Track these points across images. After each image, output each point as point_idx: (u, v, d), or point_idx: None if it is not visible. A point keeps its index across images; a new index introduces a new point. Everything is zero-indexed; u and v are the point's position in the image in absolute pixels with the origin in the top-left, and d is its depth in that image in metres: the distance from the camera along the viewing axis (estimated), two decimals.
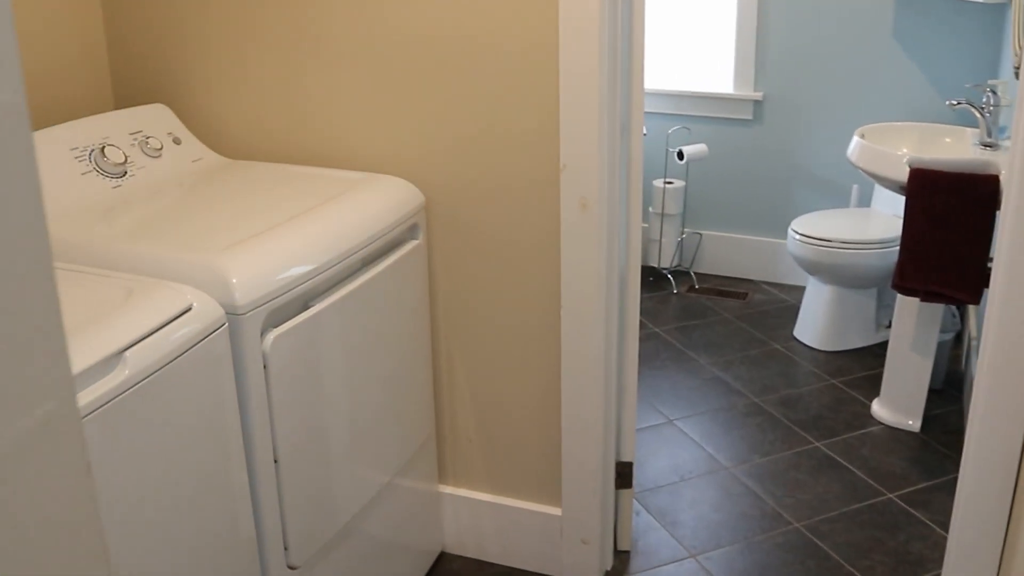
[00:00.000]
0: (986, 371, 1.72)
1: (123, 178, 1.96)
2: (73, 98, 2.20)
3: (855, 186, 3.92)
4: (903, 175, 2.77)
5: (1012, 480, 1.75)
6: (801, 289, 4.03)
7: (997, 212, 2.60)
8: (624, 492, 2.38)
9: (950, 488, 2.68)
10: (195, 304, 1.48)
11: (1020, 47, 2.76)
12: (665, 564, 2.42)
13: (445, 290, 2.21)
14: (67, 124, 1.94)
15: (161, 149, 2.08)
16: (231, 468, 1.57)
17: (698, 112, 4.17)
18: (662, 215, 4.17)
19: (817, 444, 2.94)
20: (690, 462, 2.86)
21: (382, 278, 1.93)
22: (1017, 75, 2.04)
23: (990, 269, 2.51)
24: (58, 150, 1.88)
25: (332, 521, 1.85)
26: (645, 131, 4.18)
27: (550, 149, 2.01)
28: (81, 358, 1.29)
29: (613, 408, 2.24)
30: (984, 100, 3.10)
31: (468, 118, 2.05)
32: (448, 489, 2.37)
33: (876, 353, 3.52)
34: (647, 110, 4.21)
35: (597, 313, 2.09)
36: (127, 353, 1.34)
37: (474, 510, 2.35)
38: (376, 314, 1.93)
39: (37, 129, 1.94)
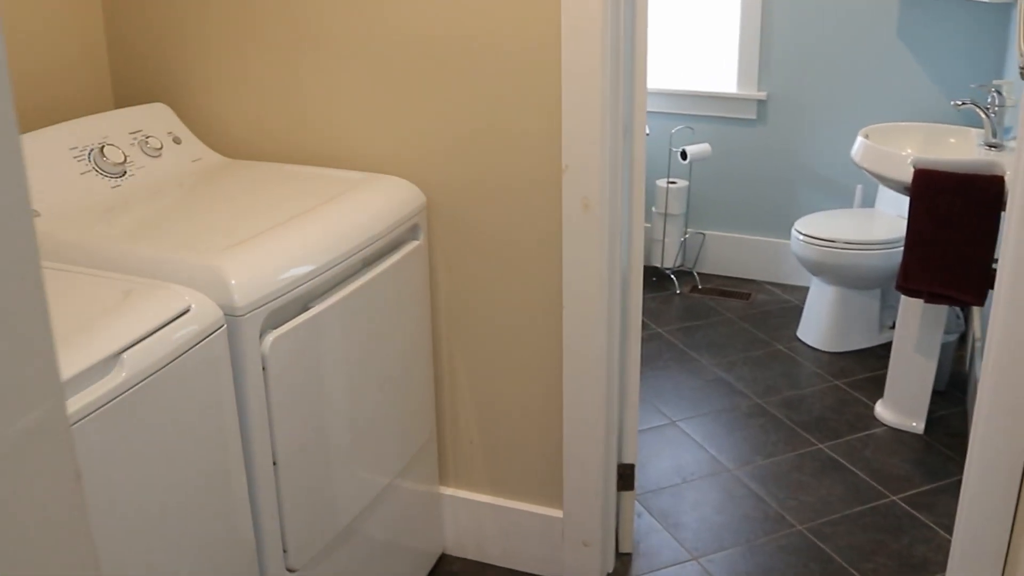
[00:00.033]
0: (990, 372, 1.71)
1: (122, 178, 1.95)
2: (73, 98, 2.19)
3: (859, 186, 3.91)
4: (907, 176, 2.76)
5: (1016, 482, 1.74)
6: (804, 289, 4.02)
7: (1002, 213, 2.59)
8: (626, 494, 2.37)
9: (954, 490, 2.66)
10: (193, 305, 1.47)
11: None
12: (667, 566, 2.40)
13: (446, 291, 2.20)
14: (66, 123, 1.93)
15: (161, 149, 2.07)
16: (229, 471, 1.56)
17: (702, 112, 4.16)
18: (665, 215, 4.16)
19: (820, 446, 2.93)
20: (692, 464, 2.85)
21: (383, 279, 1.92)
22: (1022, 75, 2.03)
23: (995, 270, 2.49)
24: (57, 150, 1.87)
25: (332, 523, 1.84)
26: (648, 131, 4.16)
27: (552, 149, 2.00)
28: (78, 360, 1.28)
29: (615, 409, 2.23)
30: (989, 100, 3.08)
31: (469, 118, 2.04)
32: (449, 491, 2.36)
33: (879, 354, 3.50)
34: (650, 109, 4.19)
35: (599, 314, 2.08)
36: (124, 355, 1.33)
37: (475, 512, 2.34)
38: (377, 315, 1.91)
39: (36, 129, 1.93)
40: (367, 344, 1.89)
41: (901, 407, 3.03)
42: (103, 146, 1.95)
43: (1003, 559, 1.82)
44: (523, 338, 2.17)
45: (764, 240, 4.22)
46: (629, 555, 2.44)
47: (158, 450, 1.40)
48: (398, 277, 1.99)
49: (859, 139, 3.23)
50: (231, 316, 1.53)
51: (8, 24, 2.03)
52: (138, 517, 1.37)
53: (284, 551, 1.71)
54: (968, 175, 2.60)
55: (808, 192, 4.08)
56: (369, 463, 1.95)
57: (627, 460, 2.34)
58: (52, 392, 0.64)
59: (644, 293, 4.01)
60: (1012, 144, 3.05)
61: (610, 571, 2.37)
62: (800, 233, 3.48)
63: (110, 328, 1.36)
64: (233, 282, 1.54)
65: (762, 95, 4.02)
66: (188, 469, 1.46)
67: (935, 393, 3.05)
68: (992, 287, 2.52)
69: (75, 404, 1.25)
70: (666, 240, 4.19)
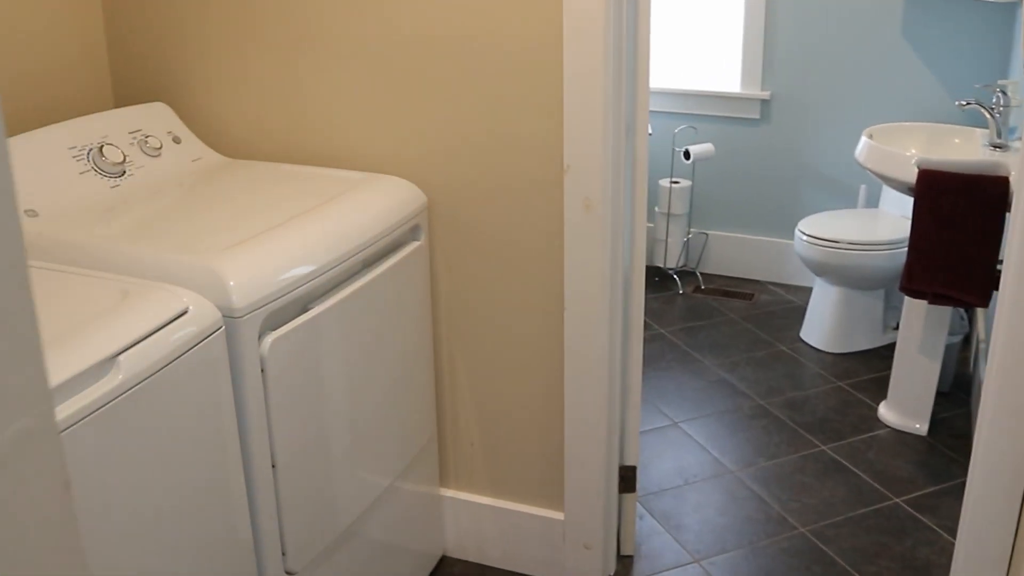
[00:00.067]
0: (995, 374, 1.70)
1: (122, 178, 1.94)
2: (73, 98, 2.18)
3: (863, 186, 3.89)
4: (911, 176, 2.74)
5: (1021, 485, 1.73)
6: (808, 290, 4.00)
7: (1007, 214, 2.58)
8: (627, 496, 2.35)
9: (957, 493, 2.65)
10: (191, 307, 1.46)
11: None
12: (669, 569, 2.39)
13: (447, 292, 2.18)
14: (65, 123, 1.92)
15: (160, 148, 2.06)
16: (228, 473, 1.55)
17: (705, 111, 4.14)
18: (668, 215, 4.14)
19: (823, 447, 2.91)
20: (695, 465, 2.83)
21: (383, 280, 1.91)
22: None
23: (999, 271, 2.48)
24: (56, 149, 1.86)
25: (331, 526, 1.83)
26: (651, 130, 4.15)
27: (554, 149, 1.99)
28: (74, 363, 1.27)
29: (617, 411, 2.22)
30: (994, 100, 3.06)
31: (470, 118, 2.03)
32: (449, 492, 2.35)
33: (883, 355, 3.49)
34: (653, 109, 4.18)
35: (601, 315, 2.06)
36: (121, 357, 1.32)
37: (476, 514, 2.33)
38: (377, 316, 1.90)
39: (36, 128, 1.92)
40: (367, 345, 1.87)
41: (905, 409, 3.01)
42: (102, 146, 1.94)
43: (1007, 562, 1.81)
44: (524, 339, 2.16)
45: (767, 240, 4.20)
46: (630, 557, 2.43)
47: (155, 453, 1.39)
48: (398, 278, 1.97)
49: (863, 139, 3.21)
50: (229, 317, 1.52)
51: (8, 24, 2.02)
52: (135, 521, 1.36)
53: (283, 554, 1.70)
54: (972, 176, 2.58)
55: (812, 192, 4.06)
56: (369, 465, 1.94)
57: (629, 462, 2.33)
58: (40, 400, 0.62)
59: (646, 293, 4.01)
60: (1017, 144, 3.04)
61: (611, 574, 2.36)
62: (803, 233, 3.47)
63: (107, 330, 1.35)
64: (231, 283, 1.53)
65: (766, 95, 4.00)
66: (186, 472, 1.45)
67: (939, 395, 3.03)
68: (996, 288, 2.51)
69: (72, 407, 1.24)
70: (669, 240, 4.18)
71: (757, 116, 4.06)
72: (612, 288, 2.08)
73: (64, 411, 1.23)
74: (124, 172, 1.95)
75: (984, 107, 3.05)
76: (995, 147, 3.06)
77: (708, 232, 4.29)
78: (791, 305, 3.98)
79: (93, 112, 2.17)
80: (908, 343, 2.95)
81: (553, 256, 2.07)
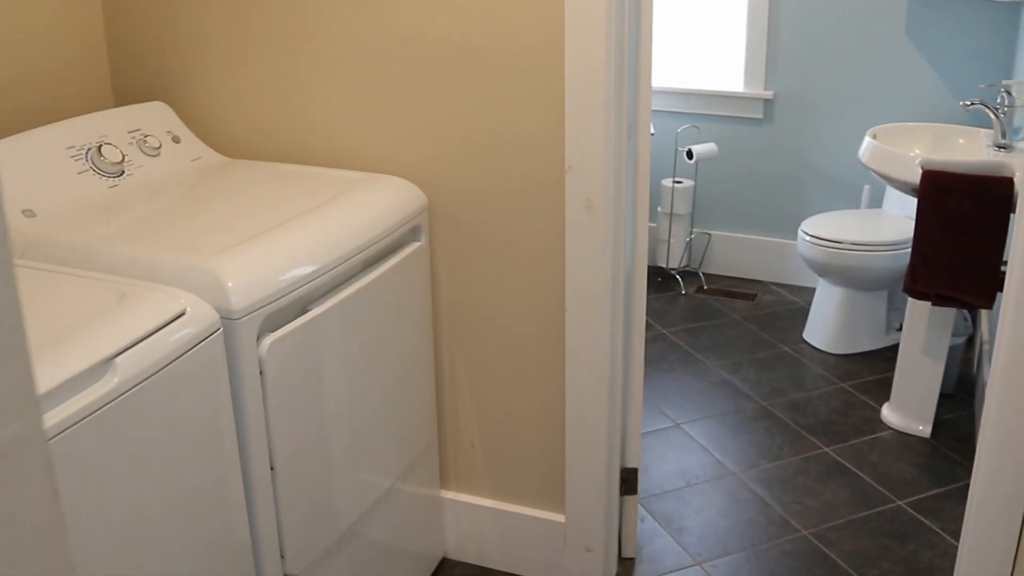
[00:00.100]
0: (999, 376, 1.69)
1: (120, 177, 1.93)
2: (73, 97, 2.17)
3: (866, 187, 3.88)
4: (915, 177, 2.73)
5: None
6: (811, 291, 3.99)
7: (1011, 215, 2.56)
8: (629, 498, 2.34)
9: (961, 495, 2.64)
10: (189, 308, 1.45)
11: None
12: (670, 572, 2.38)
13: (448, 293, 2.17)
14: (63, 122, 1.91)
15: (160, 148, 2.05)
16: (226, 476, 1.54)
17: (708, 111, 4.13)
18: (671, 215, 4.13)
19: (826, 449, 2.90)
20: (697, 467, 2.82)
21: (383, 281, 1.89)
22: None
23: (1004, 273, 2.46)
24: (54, 149, 1.85)
25: (331, 528, 1.82)
26: (653, 130, 4.14)
27: (555, 149, 1.98)
28: (70, 365, 1.26)
29: (618, 413, 2.21)
30: (998, 101, 3.05)
31: (471, 117, 2.02)
32: (450, 494, 2.34)
33: (886, 356, 3.47)
34: (656, 108, 4.16)
35: (602, 316, 2.05)
36: (117, 359, 1.31)
37: (476, 516, 2.32)
38: (377, 318, 1.89)
39: (35, 128, 1.91)
40: (367, 347, 1.86)
41: (908, 410, 3.00)
42: (101, 145, 1.93)
43: (1011, 566, 1.79)
44: (525, 340, 2.15)
45: (770, 240, 4.19)
46: (632, 560, 2.42)
47: (152, 456, 1.38)
48: (399, 279, 1.96)
49: (867, 139, 3.20)
50: (227, 319, 1.51)
51: (8, 24, 2.01)
52: (132, 524, 1.35)
53: (282, 556, 1.69)
54: (977, 176, 2.57)
55: (815, 192, 4.05)
56: (369, 467, 1.93)
57: (630, 464, 2.32)
58: (28, 408, 0.61)
59: (649, 294, 4.00)
60: (1022, 145, 3.02)
61: None
62: (806, 234, 3.46)
63: (103, 332, 1.34)
64: (230, 284, 1.52)
65: (769, 94, 3.99)
66: (183, 475, 1.44)
67: (942, 396, 3.02)
68: (1001, 290, 2.50)
69: (67, 409, 1.23)
70: (671, 240, 4.16)
71: (760, 116, 4.04)
72: (614, 289, 2.07)
73: (60, 414, 1.22)
74: (123, 172, 1.94)
75: (988, 107, 3.03)
76: (999, 147, 3.04)
77: (711, 232, 4.27)
78: (794, 306, 3.97)
79: (93, 111, 2.16)
80: (911, 344, 2.94)
81: (554, 257, 2.06)
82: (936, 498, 2.66)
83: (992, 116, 3.04)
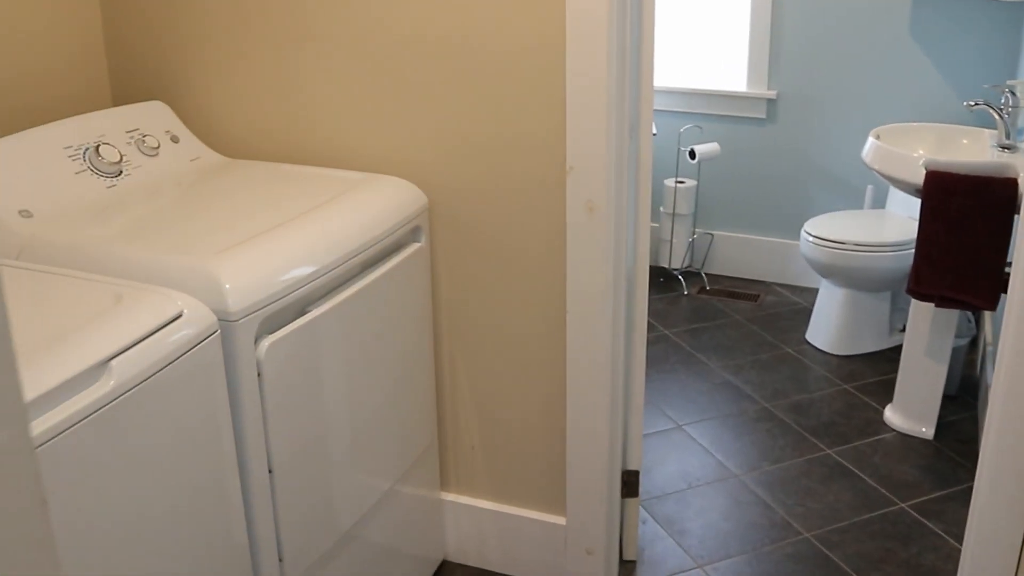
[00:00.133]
0: (1003, 378, 1.68)
1: (118, 177, 1.91)
2: (71, 97, 2.16)
3: (869, 187, 3.86)
4: (919, 178, 2.71)
5: None
6: (814, 291, 3.97)
7: (1015, 216, 2.55)
8: (630, 501, 2.33)
9: (964, 498, 2.62)
10: (186, 310, 1.43)
11: None
12: (672, 574, 2.37)
13: (448, 294, 2.16)
14: (61, 122, 1.90)
15: (158, 148, 2.03)
16: (223, 479, 1.53)
17: (710, 110, 4.12)
18: (673, 215, 4.11)
19: (828, 451, 2.89)
20: (698, 469, 2.81)
21: (383, 282, 1.88)
22: None
23: (1007, 274, 2.45)
24: (51, 149, 1.84)
25: (329, 531, 1.81)
26: (656, 130, 4.13)
27: (556, 150, 1.96)
28: (65, 367, 1.24)
29: (620, 415, 2.19)
30: (1003, 101, 3.03)
31: (472, 117, 2.00)
32: (450, 496, 2.32)
33: (889, 357, 3.45)
34: (659, 108, 4.15)
35: (603, 318, 2.04)
36: (113, 362, 1.30)
37: (476, 518, 2.31)
38: (376, 319, 1.88)
39: (33, 127, 1.90)
40: (366, 349, 1.85)
41: (911, 412, 2.98)
42: (99, 145, 1.91)
43: (1014, 569, 1.78)
44: (526, 342, 2.13)
45: (773, 241, 4.17)
46: (633, 563, 2.40)
47: (149, 459, 1.36)
48: (399, 280, 1.95)
49: (870, 140, 3.18)
50: (225, 321, 1.49)
51: (7, 23, 2.00)
52: (128, 528, 1.34)
53: (280, 560, 1.68)
54: (981, 177, 2.55)
55: (818, 192, 4.03)
56: (368, 469, 1.92)
57: (632, 466, 2.31)
58: (14, 415, 0.60)
59: (651, 294, 3.98)
60: None
61: None
62: (809, 234, 3.44)
63: (99, 334, 1.32)
64: (227, 286, 1.51)
65: (772, 94, 3.97)
66: (180, 478, 1.43)
67: (945, 398, 3.00)
68: (1005, 291, 2.48)
69: (63, 412, 1.22)
70: (674, 240, 4.15)
71: (763, 116, 4.03)
72: (615, 290, 2.06)
73: (56, 417, 1.21)
74: (121, 172, 1.93)
75: (993, 108, 3.01)
76: (1004, 148, 3.03)
77: (713, 232, 4.26)
78: (797, 307, 3.95)
79: (91, 111, 2.15)
80: (915, 346, 2.92)
81: (555, 258, 2.05)
82: (939, 500, 2.64)
83: (996, 117, 3.02)
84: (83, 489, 1.25)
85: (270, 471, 1.62)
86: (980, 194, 2.55)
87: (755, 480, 2.74)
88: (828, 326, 3.54)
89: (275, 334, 1.58)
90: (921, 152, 3.23)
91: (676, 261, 4.18)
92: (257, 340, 1.55)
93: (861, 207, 3.92)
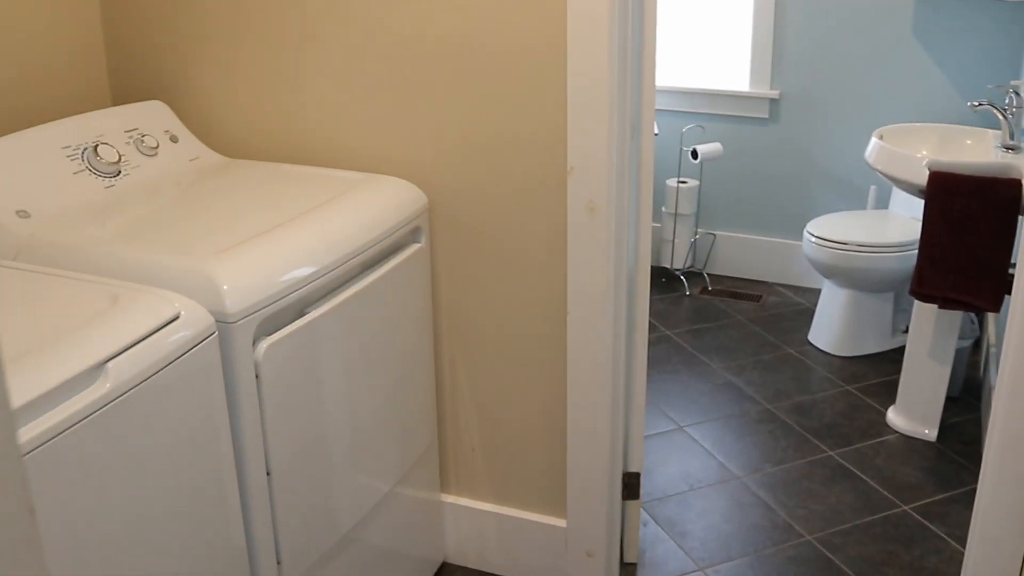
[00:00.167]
0: (1006, 379, 1.67)
1: (117, 178, 1.90)
2: (71, 96, 2.15)
3: (872, 187, 3.85)
4: (922, 178, 2.70)
5: None
6: (816, 292, 3.96)
7: (1020, 217, 2.53)
8: (631, 503, 2.32)
9: (967, 500, 2.61)
10: (183, 312, 1.42)
11: None
12: None
13: (448, 295, 2.15)
14: (59, 122, 1.89)
15: (157, 147, 2.02)
16: (221, 482, 1.52)
17: (713, 110, 4.10)
18: (675, 215, 4.10)
19: (831, 453, 2.87)
20: (700, 470, 2.80)
21: (383, 283, 1.87)
22: None
23: (1011, 275, 2.43)
24: (49, 149, 1.83)
25: (328, 533, 1.80)
26: (658, 130, 4.11)
27: (557, 150, 1.95)
28: (60, 370, 1.23)
29: (621, 417, 2.18)
30: (1006, 101, 3.02)
31: (472, 117, 1.99)
32: (450, 498, 2.31)
33: (892, 359, 3.44)
34: (661, 108, 4.14)
35: (604, 320, 2.03)
36: (109, 364, 1.29)
37: (477, 520, 2.30)
38: (376, 321, 1.87)
39: (32, 127, 1.89)
40: (366, 350, 1.84)
41: (914, 414, 2.97)
42: (97, 145, 1.90)
43: (1017, 572, 1.77)
44: (526, 343, 2.12)
45: (776, 241, 4.16)
46: (634, 565, 2.39)
47: (145, 462, 1.35)
48: (398, 281, 1.94)
49: (873, 140, 3.17)
50: (222, 323, 1.48)
51: (7, 23, 1.99)
52: (125, 530, 1.33)
53: (278, 562, 1.67)
54: (984, 178, 2.54)
55: (821, 193, 4.02)
56: (368, 471, 1.91)
57: (633, 468, 2.30)
58: (1, 422, 0.59)
59: (653, 294, 3.97)
60: None
61: None
62: (812, 235, 3.43)
63: (95, 336, 1.31)
64: (225, 287, 1.50)
65: (775, 93, 3.96)
66: (177, 481, 1.42)
67: (948, 400, 2.99)
68: (1008, 293, 2.47)
69: (58, 415, 1.21)
70: (676, 240, 4.14)
71: (766, 115, 4.02)
72: (616, 291, 2.05)
73: (51, 419, 1.20)
74: (119, 172, 1.92)
75: (996, 108, 3.00)
76: (1007, 149, 3.01)
77: (715, 232, 4.24)
78: (799, 307, 3.94)
79: (91, 111, 2.14)
80: (917, 347, 2.91)
81: (556, 259, 2.04)
82: (942, 503, 2.63)
83: (1000, 117, 3.01)
84: (80, 492, 1.25)
85: (268, 473, 1.61)
86: (984, 195, 2.53)
87: (757, 482, 2.73)
88: (831, 327, 3.53)
89: (273, 336, 1.57)
90: (924, 152, 3.22)
91: (678, 261, 4.17)
92: (255, 342, 1.54)
93: (864, 207, 3.91)
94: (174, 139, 2.08)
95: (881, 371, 3.38)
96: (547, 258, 2.04)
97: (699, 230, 4.25)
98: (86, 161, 1.87)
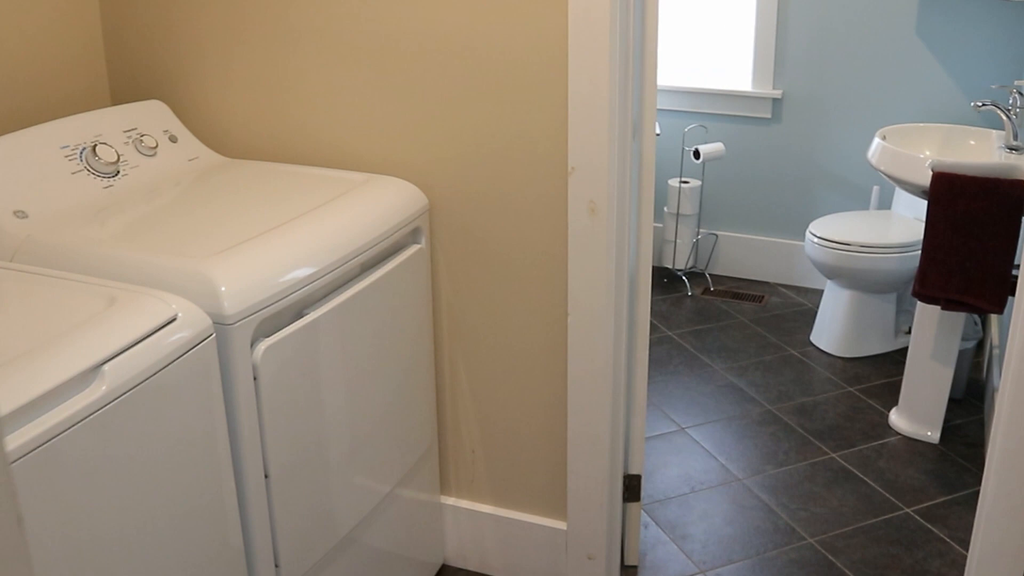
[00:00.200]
0: (1010, 381, 1.66)
1: (115, 178, 1.89)
2: (71, 96, 2.15)
3: (875, 187, 3.83)
4: (925, 179, 2.69)
5: None
6: (819, 292, 3.95)
7: (1023, 218, 2.52)
8: (632, 505, 2.31)
9: (970, 503, 2.60)
10: (180, 314, 1.41)
11: None
12: None
13: (448, 296, 2.14)
14: (57, 121, 1.88)
15: (156, 147, 2.01)
16: (219, 484, 1.51)
17: (715, 110, 4.09)
18: (677, 215, 4.09)
19: (833, 455, 2.86)
20: (701, 472, 2.78)
21: (382, 284, 1.86)
22: None
23: (1015, 277, 2.42)
24: (47, 149, 1.82)
25: (327, 536, 1.79)
26: (660, 130, 4.10)
27: (558, 150, 1.94)
28: (56, 372, 1.22)
29: (621, 419, 2.17)
30: (1010, 102, 3.01)
31: (473, 118, 1.98)
32: (450, 501, 2.30)
33: (895, 360, 3.43)
34: (663, 107, 4.13)
35: (605, 321, 2.02)
36: (106, 367, 1.28)
37: (477, 523, 2.29)
38: (376, 322, 1.86)
39: (31, 127, 1.88)
40: (365, 352, 1.83)
41: (916, 415, 2.96)
42: (96, 145, 1.89)
43: (1021, 574, 1.76)
44: (527, 344, 2.11)
45: (778, 242, 4.14)
46: (635, 568, 2.38)
47: (142, 465, 1.34)
48: (398, 282, 1.93)
49: (876, 140, 3.16)
50: (220, 324, 1.47)
51: (7, 23, 1.98)
52: (122, 533, 1.32)
53: (276, 565, 1.66)
54: (988, 179, 2.53)
55: (823, 193, 4.00)
56: (367, 474, 1.90)
57: (633, 471, 2.29)
58: None
59: (654, 295, 3.96)
60: None
61: None
62: (814, 235, 3.41)
63: (91, 338, 1.30)
64: (223, 289, 1.49)
65: (777, 93, 3.95)
66: (174, 483, 1.41)
67: (951, 401, 2.98)
68: (1012, 294, 2.46)
69: (54, 418, 1.20)
70: (678, 241, 4.13)
71: (768, 115, 4.00)
72: (617, 292, 2.04)
73: (47, 422, 1.19)
74: (118, 172, 1.91)
75: (1000, 108, 2.99)
76: (1011, 149, 3.00)
77: (718, 233, 4.23)
78: (802, 308, 3.93)
79: (90, 110, 2.13)
80: (920, 348, 2.90)
81: (557, 260, 2.03)
82: (945, 505, 2.62)
83: (1004, 117, 2.99)
84: (77, 495, 1.24)
85: (266, 476, 1.60)
86: (987, 196, 2.52)
87: (758, 484, 2.72)
88: (833, 328, 3.51)
89: (272, 337, 1.56)
90: (928, 153, 3.21)
91: (680, 262, 4.16)
92: (253, 343, 1.53)
93: (867, 208, 3.89)
94: (173, 139, 2.07)
95: (883, 372, 3.37)
96: (548, 259, 2.03)
97: (701, 230, 4.24)
98: (84, 161, 1.86)
